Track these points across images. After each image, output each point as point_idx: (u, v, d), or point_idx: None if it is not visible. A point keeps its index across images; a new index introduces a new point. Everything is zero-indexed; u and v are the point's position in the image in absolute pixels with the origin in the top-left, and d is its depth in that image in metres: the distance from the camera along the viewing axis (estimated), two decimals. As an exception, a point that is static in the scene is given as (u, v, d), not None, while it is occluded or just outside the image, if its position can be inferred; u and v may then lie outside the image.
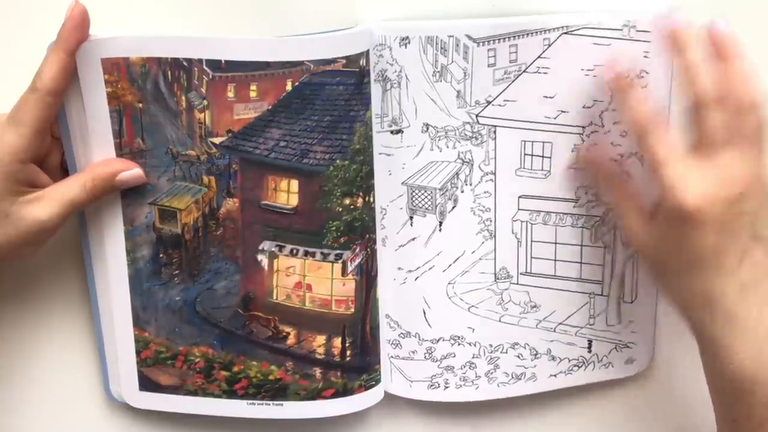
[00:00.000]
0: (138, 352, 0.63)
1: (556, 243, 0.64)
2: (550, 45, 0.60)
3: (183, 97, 0.58)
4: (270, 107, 0.58)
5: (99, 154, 0.58)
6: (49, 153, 0.59)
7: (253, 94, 0.58)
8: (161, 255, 0.61)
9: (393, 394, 0.66)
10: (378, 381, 0.64)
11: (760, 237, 0.53)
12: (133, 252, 0.61)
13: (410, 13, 0.60)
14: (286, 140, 0.59)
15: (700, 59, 0.54)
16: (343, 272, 0.61)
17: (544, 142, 0.62)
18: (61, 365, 0.65)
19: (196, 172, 0.60)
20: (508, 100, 0.61)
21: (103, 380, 0.65)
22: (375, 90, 0.59)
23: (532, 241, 0.64)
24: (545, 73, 0.61)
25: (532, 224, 0.64)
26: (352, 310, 0.62)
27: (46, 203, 0.55)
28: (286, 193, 0.60)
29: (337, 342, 0.63)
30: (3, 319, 0.64)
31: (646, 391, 0.69)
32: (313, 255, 0.61)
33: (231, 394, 0.63)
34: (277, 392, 0.63)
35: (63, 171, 0.59)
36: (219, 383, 0.63)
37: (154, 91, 0.58)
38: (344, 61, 0.57)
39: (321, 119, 0.58)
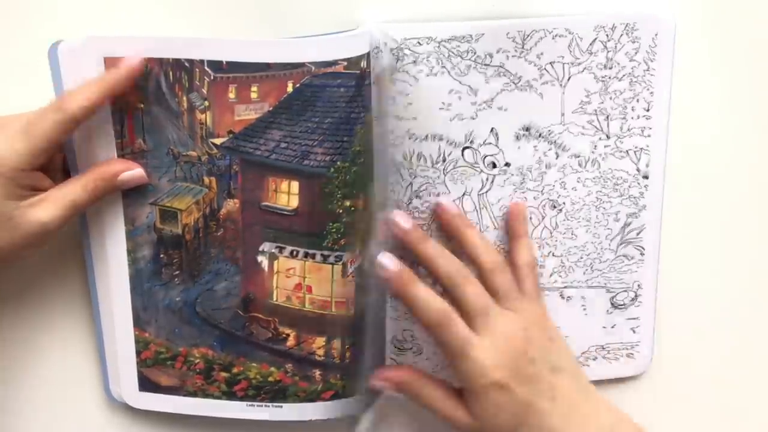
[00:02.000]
0: (138, 353, 0.63)
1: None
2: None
3: (184, 98, 0.58)
4: (271, 108, 0.58)
5: (100, 154, 0.58)
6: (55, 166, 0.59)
7: (254, 96, 0.58)
8: (162, 255, 0.61)
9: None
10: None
11: (557, 368, 0.59)
12: (134, 252, 0.61)
13: (410, 15, 0.60)
14: (286, 141, 0.59)
15: (439, 249, 0.60)
16: (344, 274, 0.61)
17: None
18: (62, 365, 0.65)
19: (197, 173, 0.60)
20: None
21: (103, 380, 0.65)
22: (375, 92, 0.59)
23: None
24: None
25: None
26: (352, 311, 0.62)
27: (48, 205, 0.55)
28: (287, 195, 0.60)
29: (337, 344, 0.63)
30: (3, 319, 0.64)
31: (646, 392, 0.69)
32: (313, 257, 0.61)
33: (230, 395, 0.63)
34: (277, 394, 0.63)
35: (65, 173, 0.59)
36: (218, 384, 0.63)
37: (155, 92, 0.57)
38: (345, 63, 0.57)
39: (322, 121, 0.58)
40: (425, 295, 0.58)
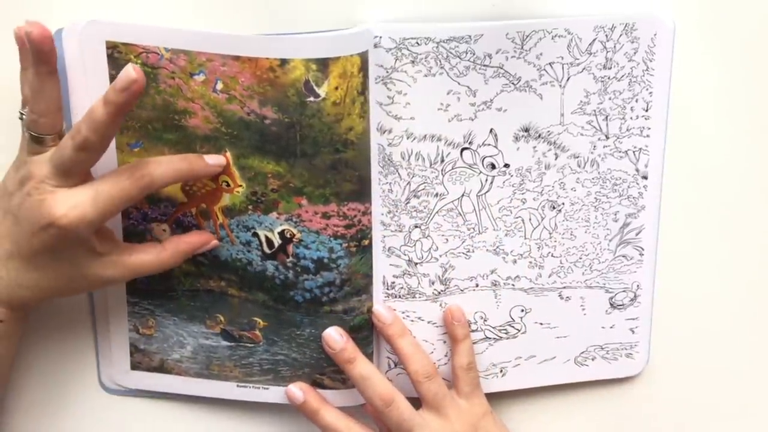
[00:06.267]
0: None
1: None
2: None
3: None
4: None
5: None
6: None
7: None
8: None
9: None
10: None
11: None
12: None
13: (409, 15, 0.60)
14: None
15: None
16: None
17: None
18: (58, 349, 0.65)
19: None
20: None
21: (96, 363, 0.65)
22: (373, 92, 0.59)
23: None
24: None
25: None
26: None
27: (121, 270, 0.56)
28: None
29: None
30: None
31: (644, 392, 0.69)
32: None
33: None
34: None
35: None
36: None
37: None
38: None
39: None
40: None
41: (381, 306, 0.63)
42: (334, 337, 0.61)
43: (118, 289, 0.62)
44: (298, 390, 0.63)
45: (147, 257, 0.56)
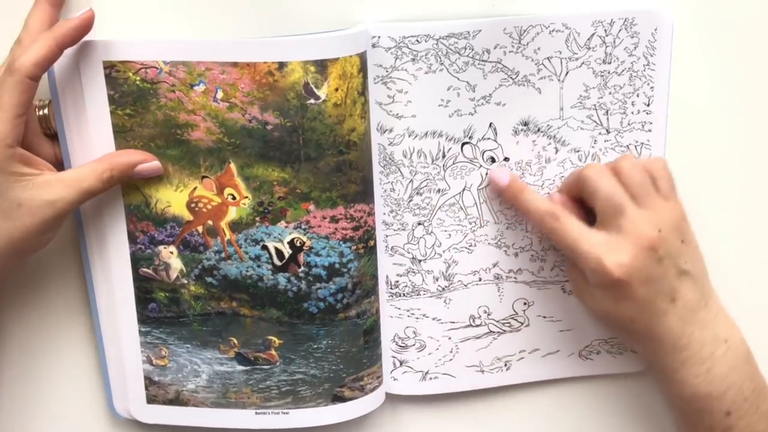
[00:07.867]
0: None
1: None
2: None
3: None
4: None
5: (99, 155, 0.57)
6: (40, 151, 0.57)
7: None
8: None
9: (395, 393, 0.66)
10: (380, 383, 0.65)
11: (683, 272, 0.59)
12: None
13: (408, 14, 0.60)
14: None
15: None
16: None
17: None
18: (63, 384, 0.65)
19: None
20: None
21: (106, 398, 0.64)
22: (373, 91, 0.59)
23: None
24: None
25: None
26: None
27: (61, 188, 0.54)
28: None
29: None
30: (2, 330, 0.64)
31: (649, 387, 0.69)
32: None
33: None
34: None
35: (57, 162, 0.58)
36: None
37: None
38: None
39: None
40: (532, 198, 0.61)
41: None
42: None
43: (129, 317, 0.61)
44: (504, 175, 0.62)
45: (82, 170, 0.55)
